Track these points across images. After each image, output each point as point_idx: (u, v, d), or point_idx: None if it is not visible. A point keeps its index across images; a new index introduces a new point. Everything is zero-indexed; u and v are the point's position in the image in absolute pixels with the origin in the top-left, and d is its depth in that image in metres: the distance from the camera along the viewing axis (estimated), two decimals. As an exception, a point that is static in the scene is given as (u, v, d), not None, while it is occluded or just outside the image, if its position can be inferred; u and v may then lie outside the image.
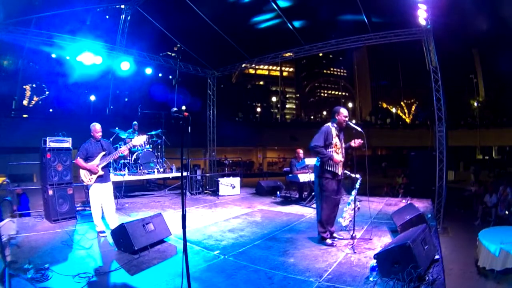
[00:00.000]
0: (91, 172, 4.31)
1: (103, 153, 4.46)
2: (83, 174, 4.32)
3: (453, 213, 10.50)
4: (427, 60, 7.65)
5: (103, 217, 4.47)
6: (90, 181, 4.33)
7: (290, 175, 7.24)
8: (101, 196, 4.39)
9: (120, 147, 5.04)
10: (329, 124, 4.01)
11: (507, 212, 9.24)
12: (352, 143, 4.08)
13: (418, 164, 9.29)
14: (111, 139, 6.75)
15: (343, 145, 4.08)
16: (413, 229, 3.44)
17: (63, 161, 5.27)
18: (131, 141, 4.67)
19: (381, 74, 48.54)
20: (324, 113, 46.24)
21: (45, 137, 5.18)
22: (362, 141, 4.02)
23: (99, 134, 4.53)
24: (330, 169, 3.89)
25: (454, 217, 10.11)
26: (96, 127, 4.51)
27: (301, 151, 7.44)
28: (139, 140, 4.83)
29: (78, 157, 4.31)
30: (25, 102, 26.44)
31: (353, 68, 53.48)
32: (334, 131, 3.94)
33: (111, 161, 4.73)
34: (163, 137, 8.46)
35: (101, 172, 4.36)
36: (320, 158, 3.93)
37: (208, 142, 11.87)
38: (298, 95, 58.60)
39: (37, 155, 5.47)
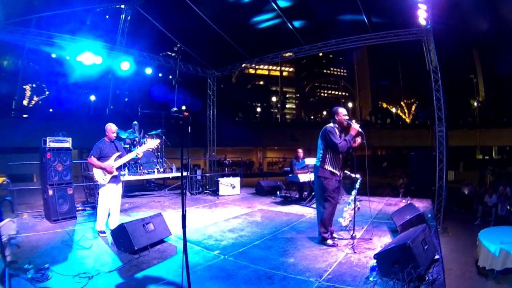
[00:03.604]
0: (106, 171, 4.26)
1: (118, 153, 4.42)
2: (99, 173, 4.27)
3: (453, 213, 10.51)
4: (427, 60, 7.65)
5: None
6: (105, 180, 4.27)
7: (290, 175, 7.23)
8: (112, 197, 4.37)
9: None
10: (331, 124, 4.00)
11: (508, 207, 9.24)
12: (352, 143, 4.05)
13: (418, 164, 9.29)
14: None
15: None
16: (413, 229, 3.43)
17: (63, 161, 5.27)
18: (144, 143, 4.62)
19: (381, 74, 48.58)
20: (324, 113, 46.24)
21: (45, 137, 5.17)
22: (361, 141, 3.98)
23: (114, 135, 4.48)
24: (331, 168, 3.88)
25: (454, 217, 10.11)
26: (112, 127, 4.44)
27: (301, 151, 7.44)
28: (153, 143, 4.83)
29: (92, 156, 4.24)
30: (25, 102, 26.38)
31: (353, 68, 53.50)
32: (337, 132, 3.94)
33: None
34: (163, 137, 8.46)
35: (115, 173, 4.34)
36: (353, 142, 3.86)
37: (208, 142, 11.87)
38: (298, 95, 58.57)
39: (37, 155, 5.46)
